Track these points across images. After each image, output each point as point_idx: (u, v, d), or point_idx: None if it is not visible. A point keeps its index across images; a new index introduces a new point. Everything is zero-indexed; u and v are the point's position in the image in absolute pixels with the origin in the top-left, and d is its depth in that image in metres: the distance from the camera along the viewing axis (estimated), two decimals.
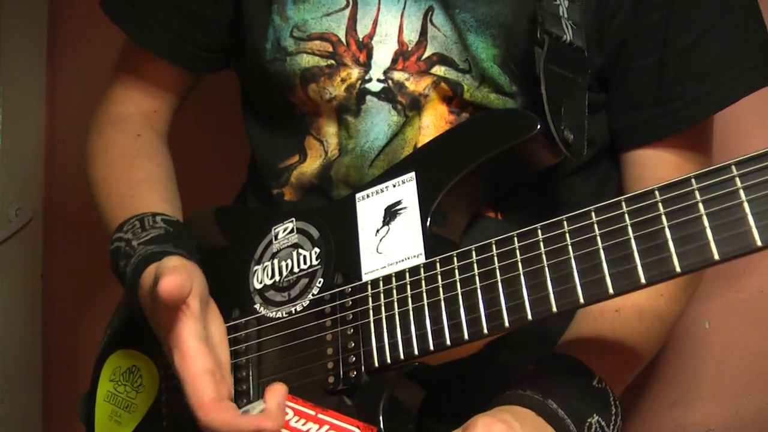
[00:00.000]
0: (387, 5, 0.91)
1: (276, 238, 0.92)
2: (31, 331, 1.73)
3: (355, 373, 0.80)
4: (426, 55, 0.90)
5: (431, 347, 0.77)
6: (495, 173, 0.84)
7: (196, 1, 1.00)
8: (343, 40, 0.92)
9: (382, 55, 0.91)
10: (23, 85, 1.73)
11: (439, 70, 0.89)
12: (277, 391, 0.74)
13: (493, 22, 0.88)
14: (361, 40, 0.91)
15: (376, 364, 0.79)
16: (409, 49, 0.90)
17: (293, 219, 0.92)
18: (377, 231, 0.85)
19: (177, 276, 0.74)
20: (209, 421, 0.74)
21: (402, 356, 0.78)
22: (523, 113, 0.84)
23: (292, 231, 0.91)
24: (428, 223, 0.82)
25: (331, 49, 0.92)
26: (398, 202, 0.85)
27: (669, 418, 1.17)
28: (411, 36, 0.90)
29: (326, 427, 0.81)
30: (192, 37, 1.02)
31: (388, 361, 0.79)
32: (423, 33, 0.90)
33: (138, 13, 1.01)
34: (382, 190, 0.87)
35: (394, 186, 0.86)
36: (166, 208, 0.94)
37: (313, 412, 0.82)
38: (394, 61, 0.91)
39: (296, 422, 0.83)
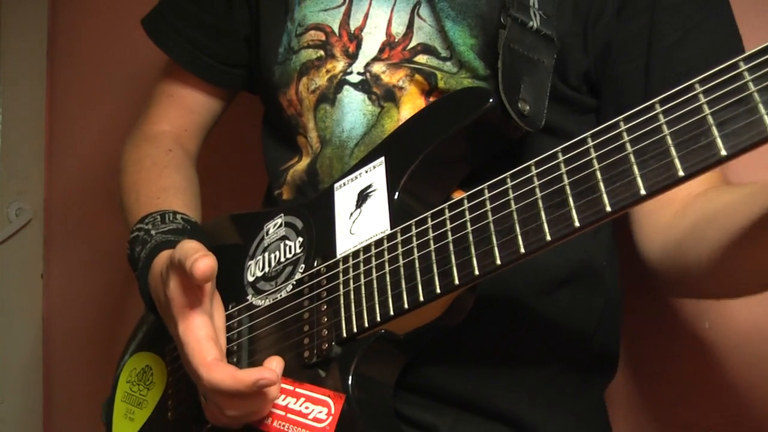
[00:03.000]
0: (379, 2, 0.99)
1: (267, 234, 0.97)
2: (31, 331, 1.74)
3: (326, 345, 0.83)
4: (411, 45, 0.96)
5: (392, 312, 0.79)
6: (459, 149, 0.87)
7: (214, 15, 1.12)
8: (336, 31, 1.00)
9: (370, 45, 0.98)
10: (23, 85, 1.74)
11: (421, 58, 0.95)
12: (274, 359, 0.84)
13: (470, 12, 0.93)
14: (352, 32, 0.99)
15: (345, 334, 0.82)
16: (396, 40, 0.97)
17: (282, 214, 0.97)
18: (351, 214, 0.89)
19: (212, 259, 0.78)
20: (212, 377, 0.79)
21: (367, 324, 0.81)
22: (477, 89, 0.88)
23: (281, 225, 0.96)
24: (393, 201, 0.86)
25: (323, 38, 1.00)
26: (369, 186, 0.89)
27: (669, 418, 1.16)
28: (399, 29, 0.97)
29: (302, 399, 0.84)
30: (211, 49, 1.13)
31: (355, 329, 0.82)
32: (410, 26, 0.97)
33: (169, 29, 1.14)
34: (356, 177, 0.91)
35: (367, 172, 0.91)
36: (189, 212, 1.02)
37: (291, 387, 0.86)
38: (381, 50, 0.97)
39: (278, 397, 0.86)
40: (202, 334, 0.82)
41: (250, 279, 0.96)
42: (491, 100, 0.83)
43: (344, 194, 0.92)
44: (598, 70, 0.93)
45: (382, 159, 0.90)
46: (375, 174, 0.90)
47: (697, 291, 0.92)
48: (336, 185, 0.93)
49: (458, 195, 0.91)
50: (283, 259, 0.93)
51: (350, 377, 0.81)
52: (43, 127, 1.80)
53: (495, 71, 0.91)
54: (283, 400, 0.85)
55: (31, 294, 1.75)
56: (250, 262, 0.97)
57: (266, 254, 0.96)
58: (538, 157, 0.90)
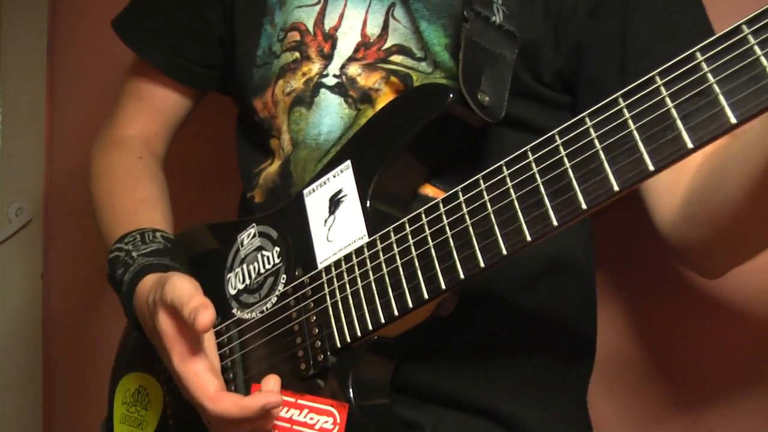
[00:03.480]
0: (354, 2, 0.98)
1: (242, 245, 0.98)
2: (31, 331, 1.74)
3: (322, 356, 0.85)
4: (386, 45, 0.96)
5: (382, 319, 0.81)
6: (424, 146, 0.88)
7: (189, 16, 1.10)
8: (311, 30, 0.99)
9: (345, 45, 0.97)
10: (23, 85, 1.73)
11: (396, 58, 0.95)
12: (271, 378, 0.84)
13: (445, 12, 0.93)
14: (327, 31, 0.98)
15: (339, 345, 0.84)
16: (371, 40, 0.96)
17: (254, 224, 0.97)
18: (325, 221, 0.90)
19: (212, 312, 0.78)
20: (219, 409, 0.80)
21: (359, 333, 0.83)
22: (436, 85, 0.89)
23: (254, 236, 0.97)
24: (366, 206, 0.87)
25: (298, 38, 0.99)
26: (340, 191, 0.90)
27: (669, 418, 1.17)
28: (374, 30, 0.96)
29: (306, 410, 0.86)
30: (186, 51, 1.11)
31: (348, 339, 0.83)
32: (385, 27, 0.96)
33: (141, 29, 1.12)
34: (325, 182, 0.92)
35: (334, 176, 0.91)
36: (166, 228, 1.02)
37: (293, 399, 0.87)
38: (356, 50, 0.97)
39: (280, 410, 0.88)
40: (200, 367, 0.82)
41: (232, 292, 0.96)
42: (451, 95, 0.84)
43: (315, 200, 0.92)
44: (572, 70, 0.93)
45: (349, 163, 0.90)
46: (343, 178, 0.90)
47: (723, 249, 0.88)
48: (305, 191, 0.93)
49: (428, 189, 0.93)
50: (263, 270, 0.94)
51: (350, 386, 0.83)
52: (43, 127, 1.77)
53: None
54: (287, 412, 0.87)
55: (31, 294, 1.74)
56: (229, 275, 0.98)
57: (245, 266, 0.96)
58: (508, 152, 0.92)
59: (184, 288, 0.81)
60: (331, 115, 0.97)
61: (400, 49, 0.95)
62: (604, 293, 1.21)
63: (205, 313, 0.77)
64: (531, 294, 0.94)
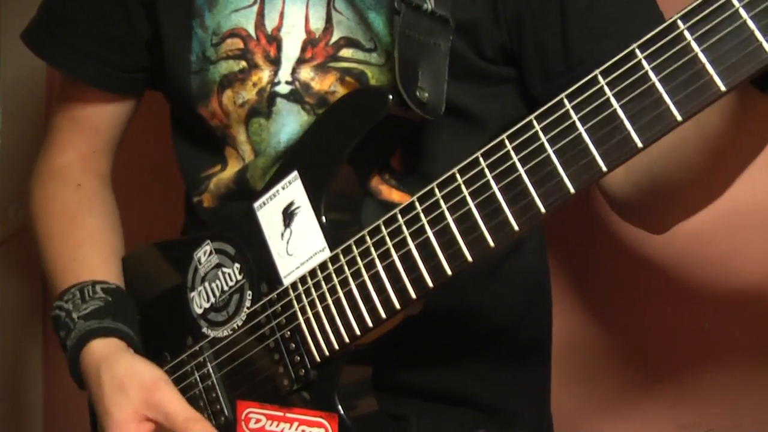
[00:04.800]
0: None
1: (200, 263, 0.96)
2: (32, 330, 1.73)
3: (303, 371, 0.87)
4: (333, 40, 0.92)
5: (358, 332, 0.83)
6: (369, 149, 0.87)
7: (109, 24, 1.03)
8: (253, 34, 0.94)
9: (291, 45, 0.93)
10: (23, 85, 1.68)
11: (346, 52, 0.92)
12: None
13: (383, 1, 0.90)
14: (270, 33, 0.94)
15: (318, 359, 0.85)
16: (317, 36, 0.93)
17: (208, 241, 0.96)
18: (282, 234, 0.90)
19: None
20: None
21: (337, 346, 0.84)
22: (373, 90, 0.87)
23: (211, 253, 0.95)
24: (322, 218, 0.86)
25: (242, 46, 0.94)
26: (291, 203, 0.89)
27: (669, 418, 1.18)
28: (317, 24, 0.93)
29: (296, 423, 0.89)
30: (111, 60, 1.04)
31: (327, 353, 0.85)
32: (328, 20, 0.92)
33: (58, 43, 1.05)
34: (274, 195, 0.91)
35: (283, 188, 0.90)
36: (108, 271, 1.01)
37: (281, 413, 0.90)
38: (303, 49, 0.93)
39: (271, 425, 0.90)
40: None
41: (199, 311, 0.96)
42: (390, 98, 0.82)
43: (267, 214, 0.91)
44: (513, 40, 0.91)
45: (296, 173, 0.89)
46: (293, 190, 0.89)
47: (677, 207, 0.89)
48: (255, 205, 0.92)
49: (376, 182, 0.93)
50: (226, 288, 0.94)
51: (336, 398, 0.85)
52: (43, 127, 1.67)
53: None
54: (277, 426, 0.89)
55: (31, 294, 1.71)
56: (192, 294, 0.97)
57: (206, 284, 0.96)
58: (453, 143, 0.92)
59: (180, 408, 0.86)
60: (290, 124, 0.94)
61: (349, 42, 0.91)
62: (605, 294, 1.24)
63: None
64: (490, 279, 0.96)
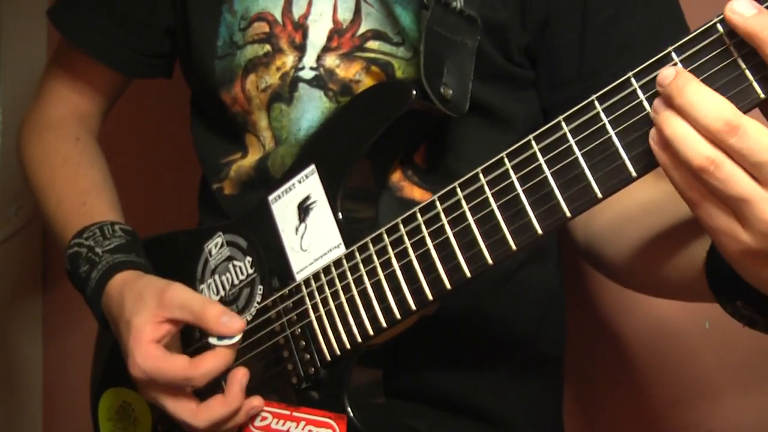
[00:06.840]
0: None
1: (211, 255, 0.95)
2: (31, 331, 1.73)
3: (313, 369, 0.85)
4: (360, 31, 0.91)
5: (371, 332, 0.81)
6: (390, 144, 0.85)
7: (133, 7, 1.04)
8: (279, 19, 0.93)
9: (318, 34, 0.92)
10: (23, 85, 1.66)
11: (373, 44, 0.90)
12: (235, 375, 0.86)
13: None
14: (296, 20, 0.92)
15: (329, 358, 0.83)
16: (344, 27, 0.91)
17: (220, 233, 0.94)
18: (296, 229, 0.88)
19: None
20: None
21: (348, 345, 0.82)
22: (397, 83, 0.85)
23: (222, 245, 0.94)
24: (339, 214, 0.84)
25: (267, 30, 0.93)
26: (308, 197, 0.87)
27: (669, 418, 1.17)
28: (345, 15, 0.91)
29: (303, 423, 0.87)
30: (129, 41, 1.05)
31: (338, 352, 0.83)
32: (357, 12, 0.91)
33: (78, 19, 1.06)
34: (290, 188, 0.89)
35: (300, 182, 0.88)
36: (117, 216, 1.01)
37: (288, 412, 0.88)
38: (329, 38, 0.91)
39: (276, 424, 0.89)
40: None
41: None
42: (414, 93, 0.80)
43: (282, 207, 0.89)
44: (537, 43, 0.90)
45: (313, 167, 0.87)
46: (309, 184, 0.87)
47: (616, 280, 0.93)
48: (270, 198, 0.90)
49: (398, 178, 0.91)
50: (236, 281, 0.92)
51: (345, 398, 0.83)
52: None
53: None
54: (283, 425, 0.87)
55: (31, 294, 1.72)
56: (202, 286, 0.95)
57: (216, 277, 0.94)
58: (477, 142, 0.90)
59: (195, 298, 0.84)
60: (311, 110, 0.92)
61: (376, 34, 0.90)
62: (605, 295, 1.22)
63: (234, 318, 0.82)
64: (508, 288, 0.94)
